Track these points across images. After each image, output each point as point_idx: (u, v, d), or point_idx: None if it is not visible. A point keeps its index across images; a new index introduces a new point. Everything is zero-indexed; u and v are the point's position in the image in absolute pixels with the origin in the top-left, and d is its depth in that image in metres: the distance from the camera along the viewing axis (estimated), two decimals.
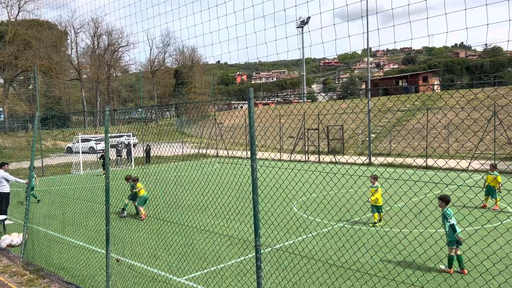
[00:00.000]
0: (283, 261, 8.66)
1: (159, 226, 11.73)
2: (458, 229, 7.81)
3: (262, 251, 5.26)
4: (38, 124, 9.86)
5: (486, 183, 13.47)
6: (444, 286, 7.20)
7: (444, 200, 8.09)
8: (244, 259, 9.04)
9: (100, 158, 25.85)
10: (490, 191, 13.36)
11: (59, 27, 67.12)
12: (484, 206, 13.41)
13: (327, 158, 27.92)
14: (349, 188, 14.28)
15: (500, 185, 13.25)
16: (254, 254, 5.56)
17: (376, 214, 11.75)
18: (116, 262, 7.77)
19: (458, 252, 7.93)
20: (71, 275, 8.41)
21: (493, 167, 13.61)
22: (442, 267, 8.08)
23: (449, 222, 7.80)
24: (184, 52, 79.97)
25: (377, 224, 11.64)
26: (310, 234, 10.84)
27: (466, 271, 7.92)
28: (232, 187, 16.29)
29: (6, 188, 12.56)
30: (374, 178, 11.72)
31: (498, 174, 13.31)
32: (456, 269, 8.03)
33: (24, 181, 12.99)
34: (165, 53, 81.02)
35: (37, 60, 51.64)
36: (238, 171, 18.99)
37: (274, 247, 9.63)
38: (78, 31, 71.28)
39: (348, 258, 8.77)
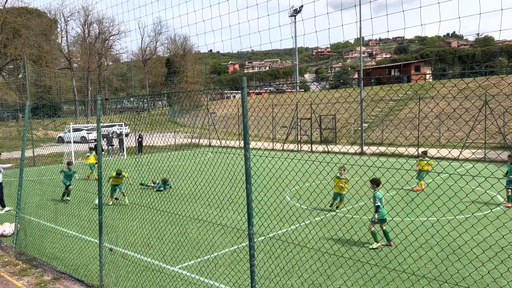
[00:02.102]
0: (276, 249, 8.73)
1: (152, 215, 11.73)
2: (384, 211, 8.86)
3: (255, 240, 5.29)
4: (29, 114, 9.75)
5: (418, 168, 14.78)
6: (435, 273, 7.31)
7: (375, 182, 9.01)
8: (238, 247, 9.10)
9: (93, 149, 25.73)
10: (421, 175, 14.71)
11: (48, 15, 66.16)
12: (417, 190, 14.61)
13: (320, 148, 28.01)
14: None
15: (431, 168, 14.67)
16: (247, 242, 5.60)
17: (335, 201, 12.24)
18: (109, 251, 7.78)
19: (384, 228, 8.92)
20: (64, 264, 8.41)
21: (424, 153, 14.79)
22: (374, 245, 8.88)
23: (376, 203, 8.79)
24: (176, 41, 79.36)
25: (337, 210, 12.16)
26: (303, 223, 10.92)
27: (392, 243, 8.81)
28: (225, 177, 16.30)
29: None
30: (343, 169, 12.17)
31: (430, 159, 14.61)
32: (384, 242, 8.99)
33: (10, 165, 13.59)
34: (156, 42, 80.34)
35: (27, 49, 50.91)
36: (231, 161, 18.99)
37: (268, 236, 9.69)
38: (68, 19, 70.48)
39: (341, 246, 8.86)
